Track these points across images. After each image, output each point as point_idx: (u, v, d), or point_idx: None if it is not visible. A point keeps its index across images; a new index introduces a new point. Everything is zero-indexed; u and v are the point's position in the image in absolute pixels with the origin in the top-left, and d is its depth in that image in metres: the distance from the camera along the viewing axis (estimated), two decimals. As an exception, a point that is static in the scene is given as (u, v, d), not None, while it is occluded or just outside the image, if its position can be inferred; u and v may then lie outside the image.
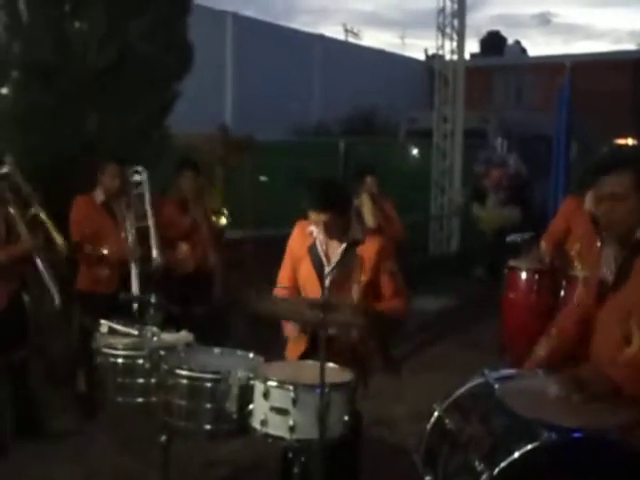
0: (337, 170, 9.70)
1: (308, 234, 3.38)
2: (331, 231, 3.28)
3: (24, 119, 5.44)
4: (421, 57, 24.93)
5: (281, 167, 9.21)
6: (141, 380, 3.21)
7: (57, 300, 4.32)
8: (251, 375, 2.85)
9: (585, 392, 2.39)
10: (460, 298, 8.66)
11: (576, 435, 2.26)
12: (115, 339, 3.39)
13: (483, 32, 29.96)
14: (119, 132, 5.67)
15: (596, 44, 66.03)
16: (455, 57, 11.52)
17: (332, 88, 19.12)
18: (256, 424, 2.78)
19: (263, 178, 8.44)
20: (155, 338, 3.31)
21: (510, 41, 28.81)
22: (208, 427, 2.92)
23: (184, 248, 5.39)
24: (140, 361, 3.21)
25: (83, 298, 4.87)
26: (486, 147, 11.29)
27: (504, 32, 29.68)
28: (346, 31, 25.65)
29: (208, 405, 2.89)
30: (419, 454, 2.71)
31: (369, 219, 5.77)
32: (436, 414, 2.69)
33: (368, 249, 3.32)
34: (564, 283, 5.31)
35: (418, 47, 61.06)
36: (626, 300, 2.51)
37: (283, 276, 3.53)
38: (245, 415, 2.83)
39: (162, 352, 3.14)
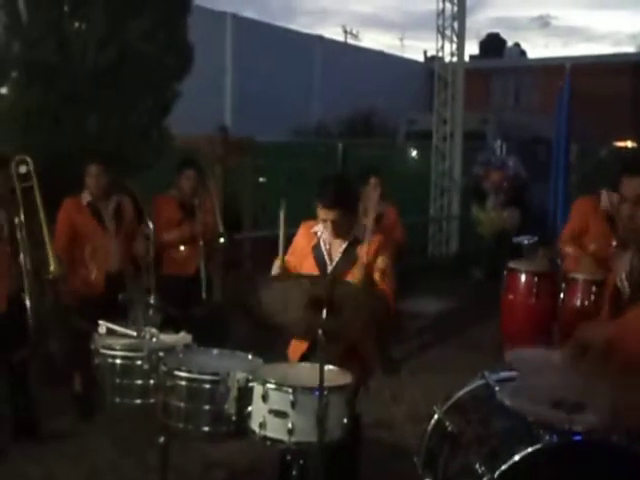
0: (335, 172, 9.69)
1: (312, 234, 3.44)
2: (338, 229, 3.31)
3: (24, 119, 5.43)
4: (420, 59, 25.00)
5: (280, 168, 9.20)
6: (140, 381, 3.19)
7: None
8: (250, 377, 2.83)
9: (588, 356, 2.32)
10: (459, 300, 8.65)
11: (577, 438, 2.25)
12: (113, 340, 3.38)
13: (482, 34, 30.04)
14: (119, 132, 5.66)
15: (596, 47, 66.14)
16: (454, 59, 11.52)
17: (331, 89, 19.12)
18: (255, 426, 2.76)
19: (262, 179, 8.42)
20: (154, 339, 3.29)
21: (509, 43, 28.89)
22: (207, 429, 2.90)
23: (184, 250, 5.39)
24: (139, 362, 3.19)
25: (76, 300, 4.86)
26: (485, 149, 11.29)
27: (503, 34, 29.83)
28: (345, 32, 25.70)
29: (207, 407, 2.88)
30: (419, 456, 2.71)
31: (372, 211, 5.80)
32: (436, 416, 2.68)
33: (366, 247, 3.34)
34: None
35: (417, 49, 61.07)
36: None
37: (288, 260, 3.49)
38: (244, 417, 2.81)
39: (161, 353, 3.12)
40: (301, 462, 2.79)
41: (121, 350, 3.27)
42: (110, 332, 3.44)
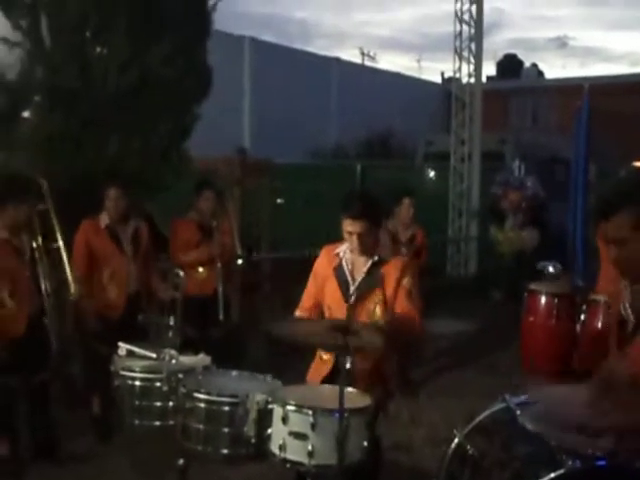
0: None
1: (334, 255, 3.43)
2: (364, 243, 3.29)
3: (46, 144, 5.50)
4: (438, 80, 25.04)
5: (298, 190, 9.24)
6: (159, 403, 3.21)
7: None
8: (269, 399, 2.82)
9: (614, 392, 2.32)
10: (478, 321, 8.57)
11: (600, 463, 2.22)
12: (133, 362, 3.39)
13: (500, 55, 30.03)
14: (140, 155, 5.72)
15: (613, 67, 65.95)
16: (472, 80, 11.56)
17: (349, 111, 19.22)
18: (274, 449, 2.75)
19: (280, 200, 8.46)
20: (173, 361, 3.30)
21: (527, 64, 28.86)
22: (226, 451, 2.90)
23: (202, 271, 5.41)
24: (158, 384, 3.21)
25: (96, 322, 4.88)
26: (503, 169, 11.27)
27: (521, 55, 29.72)
28: (363, 54, 25.83)
29: (226, 429, 2.88)
30: (439, 479, 2.67)
31: (406, 217, 6.18)
32: (457, 439, 2.65)
33: (391, 267, 3.33)
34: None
35: (435, 70, 61.21)
36: None
37: (304, 304, 3.50)
38: (263, 439, 2.80)
39: (180, 375, 3.13)
40: (320, 485, 2.77)
41: (140, 372, 3.29)
42: (130, 354, 3.45)
